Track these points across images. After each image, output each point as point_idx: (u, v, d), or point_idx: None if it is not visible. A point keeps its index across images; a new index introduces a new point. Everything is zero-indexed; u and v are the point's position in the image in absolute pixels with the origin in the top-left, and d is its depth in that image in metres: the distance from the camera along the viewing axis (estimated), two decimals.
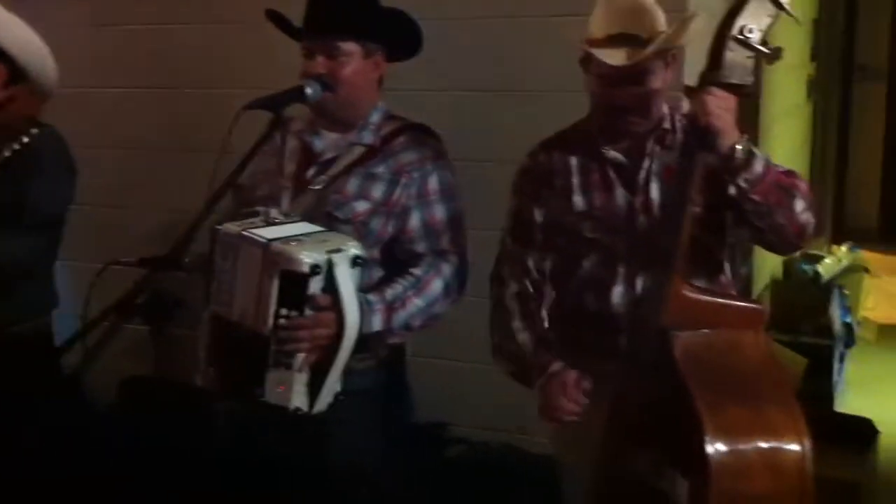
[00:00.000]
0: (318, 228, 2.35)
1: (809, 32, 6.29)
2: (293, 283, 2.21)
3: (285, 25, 2.56)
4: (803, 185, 2.19)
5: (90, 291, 2.36)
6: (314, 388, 2.28)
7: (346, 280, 2.26)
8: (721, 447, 1.92)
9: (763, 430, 1.96)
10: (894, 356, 5.58)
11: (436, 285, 2.45)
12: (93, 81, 4.19)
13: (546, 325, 2.47)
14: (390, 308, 2.39)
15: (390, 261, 2.50)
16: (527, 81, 3.59)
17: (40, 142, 2.67)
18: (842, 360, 4.78)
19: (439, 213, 2.49)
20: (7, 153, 2.62)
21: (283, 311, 2.22)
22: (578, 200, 2.38)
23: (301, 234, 2.29)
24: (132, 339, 2.94)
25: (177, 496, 3.22)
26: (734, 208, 2.20)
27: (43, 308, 2.82)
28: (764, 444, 1.95)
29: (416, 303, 2.43)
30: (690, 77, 2.24)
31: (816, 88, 6.83)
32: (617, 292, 2.34)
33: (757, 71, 2.03)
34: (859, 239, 6.87)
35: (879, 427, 3.92)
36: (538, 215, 2.44)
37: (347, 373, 2.32)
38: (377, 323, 2.37)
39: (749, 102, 4.00)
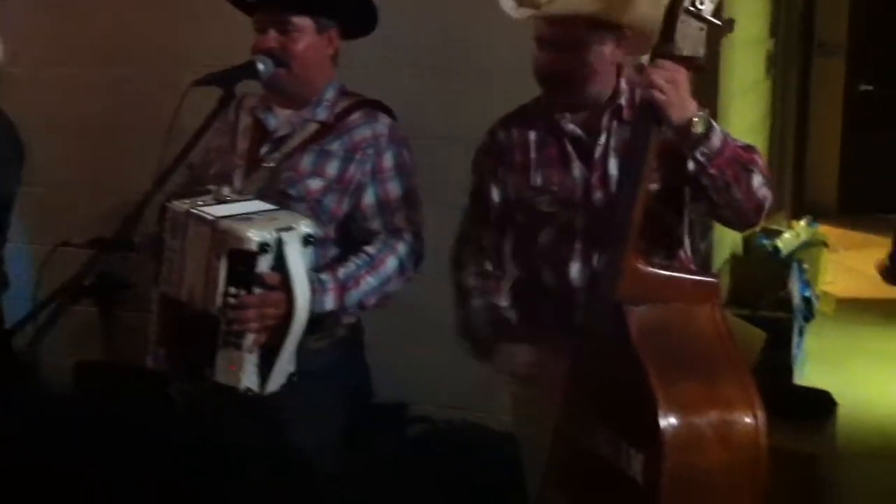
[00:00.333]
0: (270, 206, 2.32)
1: (768, 8, 6.30)
2: (241, 262, 2.18)
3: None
4: (761, 161, 2.18)
5: (40, 273, 2.34)
6: (265, 368, 2.25)
7: (297, 259, 2.23)
8: (674, 421, 1.92)
9: (716, 404, 1.96)
10: (852, 329, 5.65)
11: (390, 263, 2.43)
12: (41, 62, 4.13)
13: (506, 303, 2.45)
14: (343, 287, 2.37)
15: (346, 239, 2.48)
16: (479, 59, 3.56)
17: None
18: (801, 333, 4.82)
19: (394, 190, 2.47)
20: None
21: (232, 290, 2.20)
22: (536, 175, 2.37)
23: (251, 213, 2.25)
24: (84, 322, 2.91)
25: (133, 481, 3.20)
26: (692, 183, 2.19)
27: None
28: (717, 418, 1.95)
29: (370, 281, 2.41)
30: None
31: (776, 64, 6.85)
32: (574, 268, 2.34)
33: (715, 47, 2.02)
34: (818, 213, 6.93)
35: (838, 399, 3.95)
36: (496, 193, 2.43)
37: (303, 352, 2.30)
38: (330, 302, 2.35)
39: (708, 78, 4.00)
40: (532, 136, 2.39)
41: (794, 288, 4.80)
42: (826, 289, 5.97)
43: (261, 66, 2.38)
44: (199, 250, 2.23)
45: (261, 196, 2.39)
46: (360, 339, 2.60)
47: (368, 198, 2.46)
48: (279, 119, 2.51)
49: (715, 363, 2.02)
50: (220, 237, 2.19)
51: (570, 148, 2.35)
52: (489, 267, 2.47)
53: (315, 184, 2.42)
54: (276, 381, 2.27)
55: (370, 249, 2.43)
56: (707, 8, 1.94)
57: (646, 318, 2.03)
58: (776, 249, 5.12)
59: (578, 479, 2.17)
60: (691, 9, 1.94)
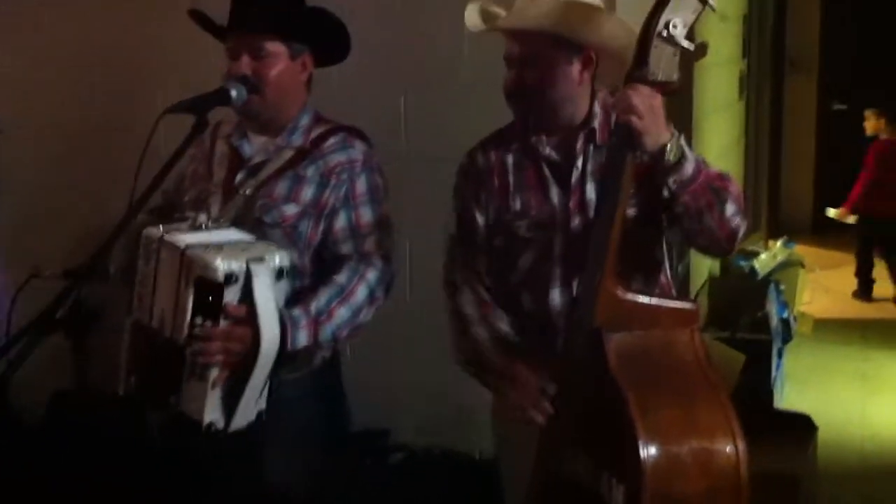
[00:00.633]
0: (246, 236, 2.29)
1: (740, 29, 6.35)
2: (208, 291, 2.13)
3: (209, 25, 2.51)
4: (735, 189, 2.17)
5: (12, 306, 2.30)
6: (229, 404, 2.19)
7: (266, 292, 2.17)
8: (654, 450, 1.90)
9: (696, 432, 1.95)
10: (831, 350, 5.67)
11: (360, 293, 2.39)
12: (9, 88, 4.10)
13: (508, 328, 2.40)
14: (316, 322, 2.32)
15: (321, 270, 2.45)
16: (458, 79, 3.56)
17: None
18: (780, 355, 4.83)
19: (366, 215, 2.45)
20: None
21: (198, 321, 2.15)
22: (514, 199, 2.36)
23: (224, 242, 2.21)
24: (57, 352, 2.87)
25: None
26: (666, 209, 2.18)
27: None
28: (697, 446, 1.94)
29: (342, 313, 2.36)
30: None
31: (749, 85, 6.90)
32: (554, 293, 2.32)
33: (688, 68, 2.01)
34: (794, 232, 6.98)
35: (817, 419, 3.96)
36: (480, 217, 2.42)
37: (277, 383, 2.27)
38: (303, 339, 2.29)
39: (681, 99, 4.01)
40: (510, 159, 2.38)
41: (772, 309, 4.81)
42: (804, 309, 5.99)
43: (233, 93, 2.36)
44: (169, 278, 2.20)
45: (236, 223, 2.36)
46: (338, 367, 2.57)
47: (340, 222, 2.43)
48: (254, 146, 2.49)
49: (694, 391, 2.01)
50: (188, 264, 2.15)
51: (547, 172, 2.34)
52: (485, 293, 2.43)
53: (290, 209, 2.40)
54: (242, 418, 2.21)
55: (340, 279, 2.39)
56: (680, 32, 1.93)
57: (625, 345, 2.02)
58: (753, 270, 5.14)
59: None
60: (664, 34, 1.94)
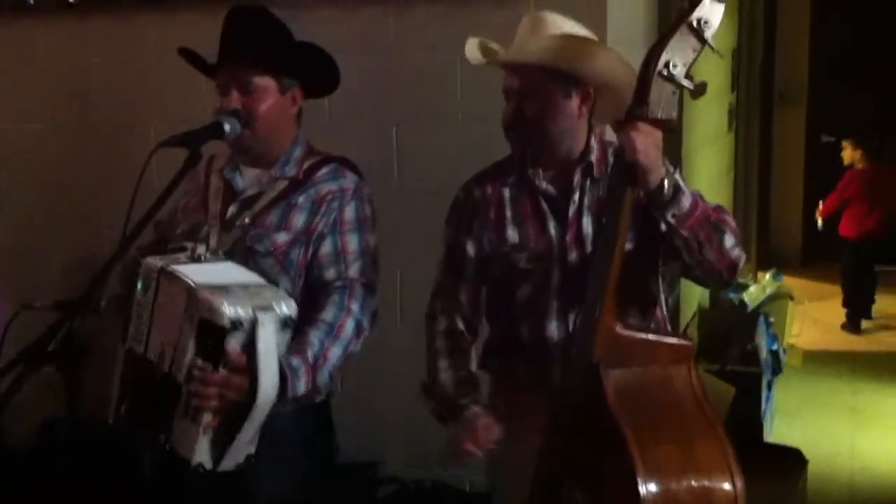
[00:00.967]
0: (253, 277, 2.26)
1: (730, 62, 6.39)
2: (210, 334, 2.10)
3: (198, 62, 2.54)
4: (732, 221, 2.19)
5: (3, 337, 2.28)
6: (219, 448, 2.16)
7: (269, 341, 2.13)
8: (652, 486, 1.90)
9: (694, 469, 1.94)
10: (820, 382, 5.66)
11: (349, 326, 2.38)
12: (3, 118, 4.09)
13: (474, 364, 2.41)
14: (314, 368, 2.30)
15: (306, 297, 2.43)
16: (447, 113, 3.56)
17: None
18: (769, 387, 4.82)
19: (352, 242, 2.45)
20: None
21: (199, 362, 2.12)
22: (511, 232, 2.36)
23: (233, 284, 2.17)
24: (47, 383, 2.85)
25: None
26: (665, 243, 2.19)
27: None
28: (695, 483, 1.93)
29: (335, 352, 2.35)
30: None
31: (738, 117, 6.94)
32: (551, 325, 2.32)
33: (679, 102, 2.02)
34: (783, 264, 6.99)
35: (807, 452, 3.96)
36: (471, 249, 2.42)
37: (267, 419, 2.25)
38: (302, 387, 2.28)
39: (672, 133, 4.02)
40: (507, 192, 2.39)
41: (762, 342, 4.82)
42: (793, 341, 6.00)
43: (227, 127, 2.37)
44: (173, 313, 2.18)
45: (229, 253, 2.36)
46: (327, 399, 2.56)
47: (326, 247, 2.43)
48: (246, 179, 2.50)
49: (693, 427, 2.00)
50: (195, 304, 2.13)
51: (544, 205, 2.35)
52: (461, 326, 2.44)
53: (281, 237, 2.41)
54: (232, 460, 2.18)
55: (327, 317, 2.37)
56: (680, 72, 1.94)
57: (623, 381, 2.02)
58: (742, 303, 5.15)
59: None
60: (664, 72, 1.95)
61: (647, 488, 1.89)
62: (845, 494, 4.34)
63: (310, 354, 2.30)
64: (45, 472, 3.70)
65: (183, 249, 2.34)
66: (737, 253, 2.17)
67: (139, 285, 2.28)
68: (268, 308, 2.13)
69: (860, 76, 8.05)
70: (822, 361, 5.98)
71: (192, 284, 2.14)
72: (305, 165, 2.49)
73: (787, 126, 8.37)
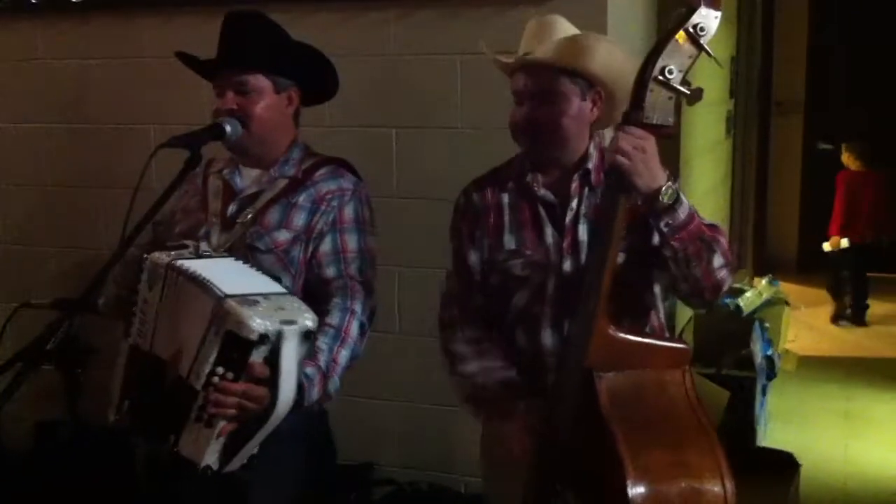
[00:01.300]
0: (265, 280, 2.26)
1: (728, 70, 6.41)
2: (236, 347, 2.09)
3: (195, 64, 2.55)
4: (725, 243, 2.17)
5: (2, 335, 2.29)
6: (229, 452, 2.17)
7: (291, 356, 2.13)
8: (642, 490, 1.90)
9: (685, 473, 1.94)
10: (815, 387, 5.68)
11: (354, 329, 2.41)
12: (3, 118, 4.09)
13: (501, 363, 2.39)
14: (326, 375, 2.33)
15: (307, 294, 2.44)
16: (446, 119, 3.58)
17: None
18: (764, 392, 4.83)
19: (351, 241, 2.47)
20: None
21: (220, 371, 2.12)
22: (510, 238, 2.37)
23: (258, 294, 2.16)
24: (46, 382, 2.86)
25: None
26: (656, 252, 2.19)
27: None
28: (686, 486, 1.93)
29: (344, 355, 2.38)
30: None
31: (736, 125, 6.96)
32: (545, 332, 2.32)
33: (677, 109, 2.03)
34: (780, 270, 7.01)
35: (800, 457, 3.97)
36: (474, 256, 2.42)
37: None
38: (315, 394, 2.30)
39: (670, 139, 4.03)
40: (505, 198, 2.39)
41: (756, 347, 4.82)
42: (788, 347, 6.01)
43: (228, 128, 2.40)
44: (197, 319, 2.16)
45: (230, 251, 2.39)
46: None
47: (326, 245, 2.46)
48: (245, 179, 2.52)
49: (685, 431, 2.01)
50: (223, 314, 2.11)
51: (542, 212, 2.35)
52: (478, 330, 2.43)
53: (282, 236, 2.43)
54: (237, 462, 2.20)
55: (332, 321, 2.39)
56: (676, 77, 1.95)
57: (616, 385, 2.02)
58: (738, 308, 5.15)
59: None
60: (660, 78, 1.95)
61: (636, 491, 1.90)
62: (838, 499, 4.35)
63: (322, 361, 2.32)
64: (44, 474, 3.70)
65: (184, 247, 2.36)
66: (723, 274, 2.15)
67: (144, 279, 2.28)
68: (292, 322, 2.13)
69: (857, 84, 8.08)
70: (817, 367, 5.99)
71: (223, 295, 2.13)
72: (304, 166, 2.51)
73: (785, 134, 8.39)
